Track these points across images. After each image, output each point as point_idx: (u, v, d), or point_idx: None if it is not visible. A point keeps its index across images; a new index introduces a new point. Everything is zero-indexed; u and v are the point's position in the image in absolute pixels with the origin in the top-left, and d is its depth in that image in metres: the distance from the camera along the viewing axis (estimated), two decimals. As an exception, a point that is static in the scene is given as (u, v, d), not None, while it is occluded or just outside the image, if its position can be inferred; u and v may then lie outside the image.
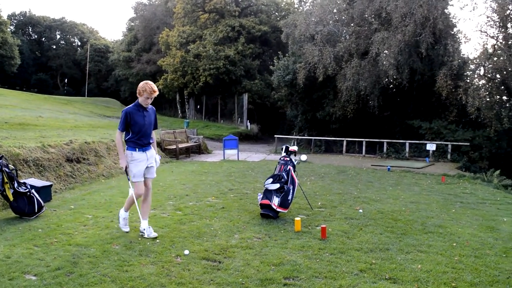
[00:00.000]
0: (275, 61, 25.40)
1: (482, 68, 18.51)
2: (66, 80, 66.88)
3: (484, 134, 17.98)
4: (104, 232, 5.87)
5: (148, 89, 5.35)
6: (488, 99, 18.27)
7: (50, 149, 9.88)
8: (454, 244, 5.49)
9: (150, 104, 5.61)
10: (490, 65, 18.11)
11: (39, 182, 7.87)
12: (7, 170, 6.58)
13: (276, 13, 39.60)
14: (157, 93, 5.46)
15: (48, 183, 8.08)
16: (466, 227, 6.42)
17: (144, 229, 5.65)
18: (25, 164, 8.75)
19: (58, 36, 70.73)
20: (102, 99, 48.66)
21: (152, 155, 5.75)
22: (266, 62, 36.29)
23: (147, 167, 5.67)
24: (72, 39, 71.93)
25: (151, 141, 5.72)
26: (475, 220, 6.94)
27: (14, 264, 4.55)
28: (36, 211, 6.64)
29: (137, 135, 5.51)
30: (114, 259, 4.76)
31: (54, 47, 69.27)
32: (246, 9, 37.76)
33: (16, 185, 6.61)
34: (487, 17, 18.05)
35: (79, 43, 71.61)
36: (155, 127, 5.81)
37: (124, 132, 5.54)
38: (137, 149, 5.54)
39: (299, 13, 24.19)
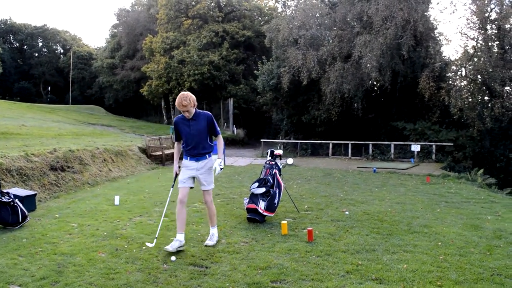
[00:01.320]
0: (259, 65, 25.48)
1: (463, 70, 18.81)
2: (49, 88, 66.13)
3: (467, 134, 18.25)
4: (90, 240, 5.81)
5: (178, 104, 5.14)
6: (470, 100, 18.57)
7: (34, 158, 9.77)
8: (439, 243, 5.55)
9: (205, 111, 5.47)
10: (471, 67, 18.41)
11: (22, 192, 7.78)
12: (-11, 180, 6.49)
13: (260, 18, 39.74)
14: (188, 105, 5.13)
15: (32, 192, 7.98)
16: (451, 226, 6.50)
17: (212, 234, 5.70)
18: (8, 173, 8.64)
19: (40, 44, 69.93)
20: (86, 106, 48.18)
21: (207, 165, 5.49)
22: (251, 66, 36.37)
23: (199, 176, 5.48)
24: (54, 47, 71.19)
25: (203, 151, 5.45)
26: (459, 219, 7.03)
27: (-2, 275, 4.48)
28: (20, 220, 6.55)
29: (186, 144, 5.44)
30: (100, 267, 4.72)
31: (36, 54, 68.46)
32: (229, 14, 37.83)
33: (-1, 195, 6.52)
34: (467, 19, 18.34)
35: (62, 51, 70.90)
36: (214, 134, 5.48)
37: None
38: (188, 158, 5.47)
39: (282, 18, 24.30)
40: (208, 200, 5.65)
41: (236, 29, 35.12)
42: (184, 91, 5.47)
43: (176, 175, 5.66)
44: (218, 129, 5.50)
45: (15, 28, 67.37)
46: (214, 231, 5.75)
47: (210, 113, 5.48)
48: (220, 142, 5.62)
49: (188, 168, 5.47)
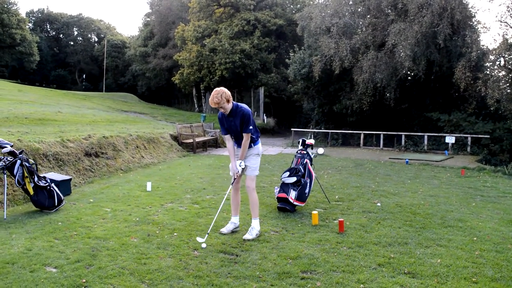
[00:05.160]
0: (291, 54, 25.26)
1: (502, 59, 18.14)
2: (84, 76, 67.75)
3: (504, 126, 17.63)
4: (123, 225, 5.93)
5: (210, 102, 5.19)
6: (508, 91, 17.89)
7: (69, 143, 10.00)
8: (475, 238, 5.40)
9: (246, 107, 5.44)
10: (511, 56, 17.72)
11: (58, 176, 7.98)
12: (27, 164, 6.68)
13: (292, 6, 39.33)
14: (220, 102, 5.13)
15: (67, 177, 8.19)
16: (487, 221, 6.32)
17: (252, 228, 5.56)
18: (45, 158, 8.88)
19: (76, 33, 71.53)
20: (120, 94, 49.02)
21: (252, 152, 5.64)
22: (282, 55, 36.13)
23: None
24: (89, 35, 72.68)
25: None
26: (496, 214, 6.82)
27: (35, 257, 4.62)
28: (56, 204, 6.74)
29: (233, 136, 5.58)
30: (132, 252, 4.81)
31: (72, 43, 70.06)
32: (261, 3, 37.56)
33: (36, 179, 6.71)
34: (507, 6, 17.61)
35: (96, 39, 72.32)
36: (244, 131, 5.36)
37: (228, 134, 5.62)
38: (236, 146, 5.65)
39: (315, 6, 23.98)
40: (249, 186, 5.61)
41: (267, 17, 34.86)
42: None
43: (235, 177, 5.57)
44: (250, 127, 5.34)
45: (52, 17, 69.07)
46: (254, 224, 5.56)
47: (248, 110, 5.38)
48: (244, 141, 5.42)
49: (237, 156, 5.58)
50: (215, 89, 5.23)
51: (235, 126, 5.39)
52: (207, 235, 5.25)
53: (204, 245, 5.00)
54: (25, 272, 4.22)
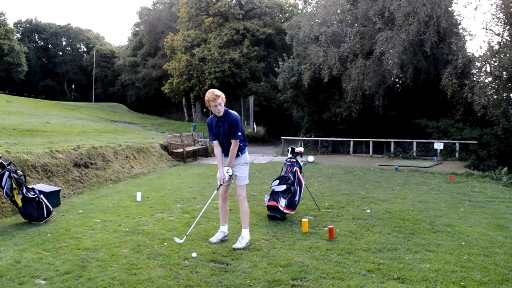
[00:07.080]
0: (280, 63, 25.39)
1: (488, 66, 18.40)
2: (73, 86, 67.39)
3: (492, 132, 17.85)
4: (112, 236, 5.90)
5: (207, 98, 5.21)
6: (495, 97, 18.14)
7: (58, 154, 9.94)
8: (463, 243, 5.46)
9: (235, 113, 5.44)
10: (496, 63, 17.99)
11: (47, 188, 7.93)
12: (15, 176, 6.64)
13: (280, 15, 39.65)
14: (219, 97, 5.19)
15: (56, 188, 8.13)
16: (475, 225, 6.38)
17: (242, 237, 5.50)
18: (33, 169, 8.82)
19: (64, 43, 71.28)
20: (109, 104, 48.87)
21: (240, 161, 5.61)
22: (271, 64, 36.33)
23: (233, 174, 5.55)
24: (78, 45, 72.47)
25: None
26: (484, 218, 6.89)
27: (24, 269, 4.58)
28: (45, 216, 6.69)
29: (220, 143, 5.53)
30: (122, 263, 4.78)
31: (61, 53, 69.79)
32: (250, 12, 37.82)
33: (24, 190, 6.66)
34: (492, 14, 17.92)
35: (85, 49, 72.14)
36: (232, 137, 5.34)
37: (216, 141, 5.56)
38: (224, 155, 5.58)
39: (303, 15, 24.16)
40: (240, 195, 5.59)
41: (256, 27, 35.09)
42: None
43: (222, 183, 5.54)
44: (239, 133, 5.33)
45: (40, 27, 68.81)
46: (244, 233, 5.51)
47: (237, 117, 5.42)
48: (232, 147, 5.39)
49: (225, 164, 5.50)
50: (208, 91, 5.30)
51: (223, 131, 5.39)
52: (185, 236, 5.37)
53: (194, 254, 5.00)
54: (14, 284, 4.19)
